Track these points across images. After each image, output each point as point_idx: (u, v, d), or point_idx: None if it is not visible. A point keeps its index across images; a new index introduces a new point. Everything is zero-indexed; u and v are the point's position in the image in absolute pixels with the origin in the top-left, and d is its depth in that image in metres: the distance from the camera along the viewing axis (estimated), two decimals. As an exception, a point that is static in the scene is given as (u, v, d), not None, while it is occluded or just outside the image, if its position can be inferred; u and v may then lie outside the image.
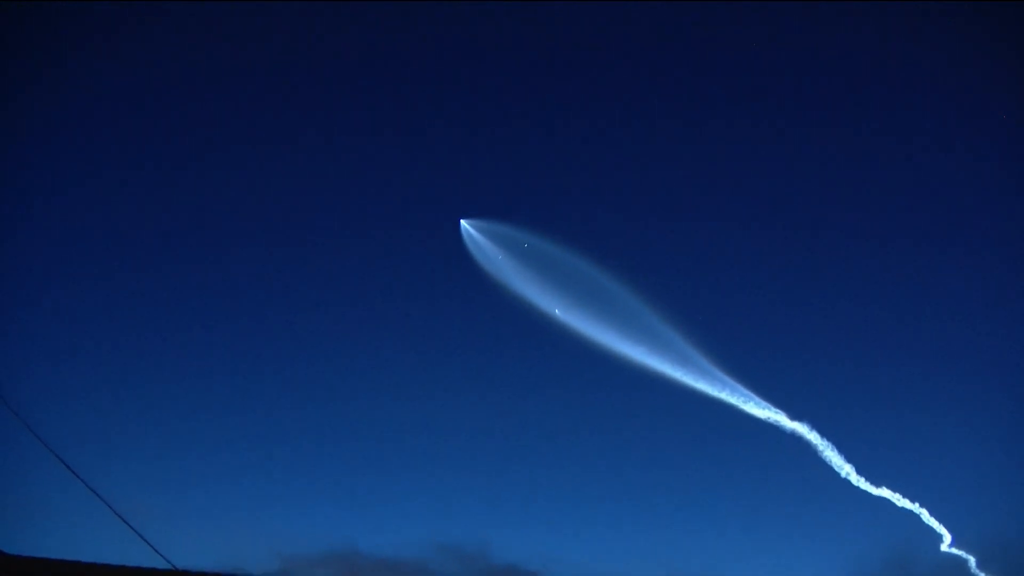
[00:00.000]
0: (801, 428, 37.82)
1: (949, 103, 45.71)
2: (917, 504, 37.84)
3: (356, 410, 48.04)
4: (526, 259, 38.64)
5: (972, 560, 37.30)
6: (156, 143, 48.76)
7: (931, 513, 37.81)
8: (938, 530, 37.71)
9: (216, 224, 49.71)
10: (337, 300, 50.04)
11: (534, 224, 39.84)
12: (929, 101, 46.52)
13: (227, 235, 49.93)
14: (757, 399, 37.58)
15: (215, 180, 49.60)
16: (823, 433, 37.97)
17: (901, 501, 37.84)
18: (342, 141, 50.95)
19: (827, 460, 37.75)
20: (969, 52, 41.61)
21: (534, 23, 48.77)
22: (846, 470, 37.81)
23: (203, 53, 47.17)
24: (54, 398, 43.37)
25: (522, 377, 49.33)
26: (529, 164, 51.08)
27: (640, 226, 50.11)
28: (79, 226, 47.78)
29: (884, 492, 37.90)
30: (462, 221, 40.03)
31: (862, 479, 37.90)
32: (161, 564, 18.20)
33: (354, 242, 50.41)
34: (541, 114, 51.23)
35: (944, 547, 37.61)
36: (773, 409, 37.79)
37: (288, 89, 50.18)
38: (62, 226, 47.39)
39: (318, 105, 50.61)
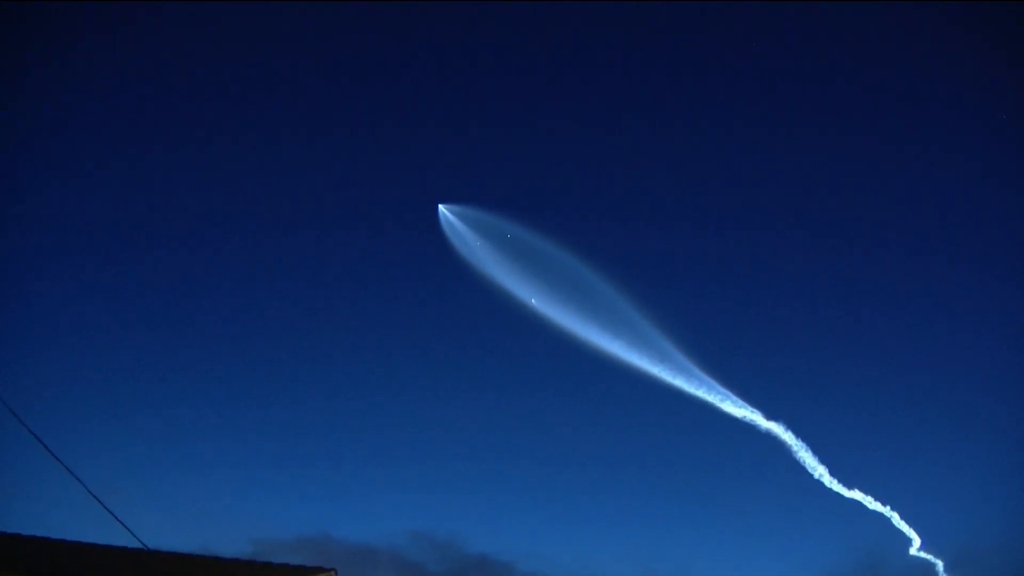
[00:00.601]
0: (776, 428, 38.11)
1: (947, 103, 46.04)
2: (888, 507, 38.22)
3: (330, 398, 48.32)
4: (504, 247, 38.36)
5: (940, 564, 37.80)
6: (130, 135, 48.54)
7: (902, 517, 38.23)
8: (908, 534, 38.13)
9: (183, 209, 49.58)
10: (311, 286, 50.17)
11: (513, 211, 39.67)
12: (922, 103, 46.86)
13: (194, 218, 49.79)
14: (734, 397, 37.80)
15: (186, 168, 49.48)
16: (798, 434, 38.31)
17: (873, 504, 38.19)
18: (320, 123, 50.92)
19: (801, 461, 38.06)
20: (969, 52, 41.73)
21: (517, 11, 48.77)
22: (819, 471, 38.12)
23: (184, 47, 46.99)
24: (34, 383, 43.38)
25: (498, 368, 49.60)
26: (509, 151, 51.28)
27: (621, 222, 50.50)
28: (56, 220, 47.67)
29: (856, 494, 38.21)
30: (440, 206, 39.66)
31: (835, 481, 38.24)
32: (133, 543, 18.21)
33: (328, 225, 50.42)
34: (524, 101, 51.50)
35: (913, 551, 38.06)
36: (749, 408, 38.04)
37: (264, 72, 50.08)
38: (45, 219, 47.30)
39: (295, 86, 50.63)
